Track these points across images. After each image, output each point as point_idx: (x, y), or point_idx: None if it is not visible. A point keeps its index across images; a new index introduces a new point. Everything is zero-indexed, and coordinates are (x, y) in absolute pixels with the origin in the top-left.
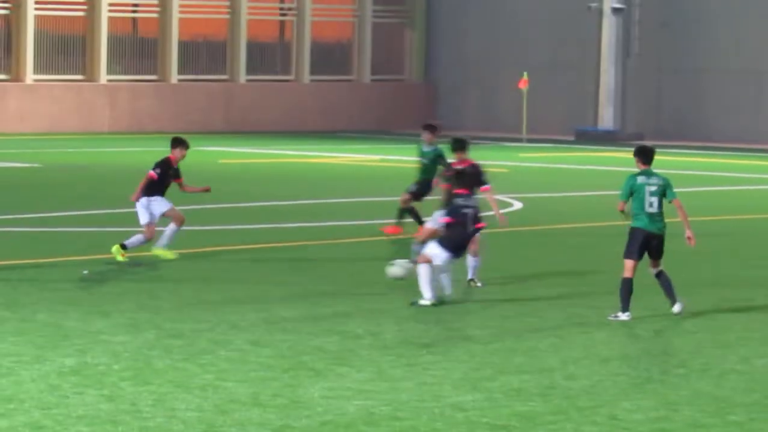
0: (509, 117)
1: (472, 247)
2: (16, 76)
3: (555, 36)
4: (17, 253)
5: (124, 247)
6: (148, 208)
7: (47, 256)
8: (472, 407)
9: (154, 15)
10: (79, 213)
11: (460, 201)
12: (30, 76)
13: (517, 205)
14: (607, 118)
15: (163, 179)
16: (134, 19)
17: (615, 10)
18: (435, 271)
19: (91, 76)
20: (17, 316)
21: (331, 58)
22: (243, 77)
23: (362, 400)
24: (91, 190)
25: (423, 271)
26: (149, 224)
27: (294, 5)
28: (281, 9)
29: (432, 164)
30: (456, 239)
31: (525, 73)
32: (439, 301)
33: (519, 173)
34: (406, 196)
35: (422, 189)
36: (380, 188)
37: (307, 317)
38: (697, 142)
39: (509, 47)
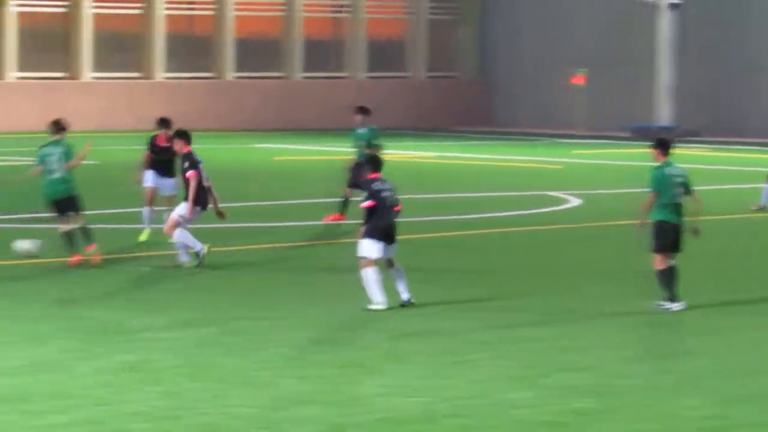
0: (563, 113)
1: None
2: (73, 74)
3: (610, 32)
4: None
5: None
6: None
7: (106, 252)
8: (526, 404)
9: (210, 13)
10: (137, 210)
11: (378, 185)
12: (87, 74)
13: (575, 202)
14: (663, 115)
15: (153, 157)
16: (190, 17)
17: (671, 6)
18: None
19: (147, 73)
20: (74, 313)
21: (385, 55)
22: (298, 74)
23: (417, 397)
24: None
25: (369, 276)
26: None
27: (348, 2)
28: (336, 6)
29: (369, 145)
30: (381, 226)
31: (580, 70)
32: (401, 305)
33: (573, 170)
34: (348, 190)
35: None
36: (437, 186)
37: (362, 315)
38: (754, 138)
39: (564, 43)
